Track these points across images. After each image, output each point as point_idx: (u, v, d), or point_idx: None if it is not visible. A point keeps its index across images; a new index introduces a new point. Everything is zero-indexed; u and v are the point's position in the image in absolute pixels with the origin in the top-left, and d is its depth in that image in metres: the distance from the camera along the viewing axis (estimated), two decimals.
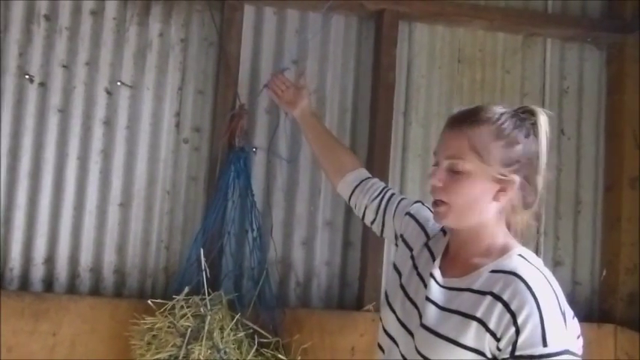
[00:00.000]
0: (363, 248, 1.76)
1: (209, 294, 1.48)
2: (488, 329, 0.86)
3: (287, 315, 1.61)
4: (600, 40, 1.93)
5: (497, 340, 0.85)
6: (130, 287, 1.70)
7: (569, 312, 0.89)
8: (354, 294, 1.77)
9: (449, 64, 1.88)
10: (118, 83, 1.74)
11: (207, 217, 1.62)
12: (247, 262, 1.67)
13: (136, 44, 1.75)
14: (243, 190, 1.64)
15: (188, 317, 1.44)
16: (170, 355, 1.41)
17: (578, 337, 0.93)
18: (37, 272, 1.67)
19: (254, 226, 1.64)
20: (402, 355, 0.96)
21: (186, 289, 1.50)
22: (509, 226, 0.95)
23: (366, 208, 1.21)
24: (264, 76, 1.76)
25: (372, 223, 1.21)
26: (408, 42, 1.86)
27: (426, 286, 0.98)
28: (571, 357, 0.84)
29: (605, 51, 1.95)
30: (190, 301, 1.48)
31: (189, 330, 1.42)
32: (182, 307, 1.46)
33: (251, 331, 1.49)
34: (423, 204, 1.14)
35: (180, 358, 1.40)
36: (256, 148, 1.76)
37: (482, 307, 0.87)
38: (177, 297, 1.48)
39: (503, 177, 0.92)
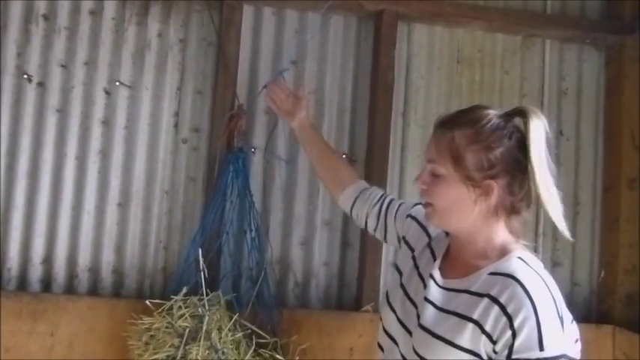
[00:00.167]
0: (362, 249, 1.76)
1: (207, 294, 1.48)
2: (484, 331, 0.86)
3: (285, 315, 1.61)
4: (599, 41, 1.93)
5: (494, 342, 0.85)
6: (128, 287, 1.69)
7: (568, 316, 0.89)
8: (352, 294, 1.77)
9: (448, 65, 1.88)
10: (117, 83, 1.73)
11: (206, 217, 1.62)
12: (246, 263, 1.67)
13: (135, 44, 1.75)
14: (242, 191, 1.64)
15: (186, 317, 1.44)
16: (168, 356, 1.41)
17: (576, 341, 0.92)
18: (35, 272, 1.67)
19: (252, 227, 1.64)
20: (402, 355, 0.96)
21: (185, 290, 1.50)
22: (510, 228, 0.94)
23: (367, 217, 1.21)
24: (263, 76, 1.76)
25: (375, 230, 1.21)
26: (407, 42, 1.86)
27: (425, 286, 0.98)
28: None
29: (604, 52, 1.95)
30: (188, 301, 1.48)
31: (187, 330, 1.42)
32: (180, 307, 1.46)
33: (249, 331, 1.49)
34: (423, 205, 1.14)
35: (178, 358, 1.40)
36: (255, 149, 1.76)
37: (479, 309, 0.87)
38: (176, 297, 1.48)
39: (478, 182, 0.91)
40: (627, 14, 1.88)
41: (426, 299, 0.95)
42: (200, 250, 1.51)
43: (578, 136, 1.92)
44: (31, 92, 1.70)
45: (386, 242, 1.21)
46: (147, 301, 1.48)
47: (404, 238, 1.10)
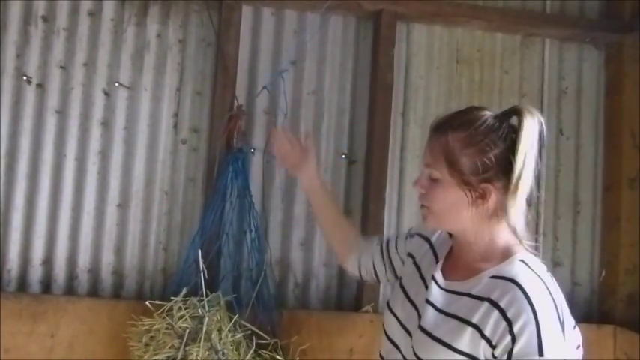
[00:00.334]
0: None
1: (207, 295, 1.48)
2: (483, 335, 0.85)
3: (285, 316, 1.61)
4: (599, 41, 1.92)
5: (493, 347, 0.84)
6: (128, 288, 1.70)
7: (570, 321, 0.88)
8: (352, 295, 1.77)
9: (447, 65, 1.88)
10: (116, 84, 1.74)
11: (205, 218, 1.62)
12: (245, 263, 1.67)
13: (134, 45, 1.75)
14: (241, 191, 1.64)
15: (186, 318, 1.44)
16: (168, 357, 1.41)
17: (578, 347, 0.91)
18: (36, 273, 1.67)
19: (252, 227, 1.64)
20: (404, 357, 0.95)
21: (184, 291, 1.50)
22: (513, 230, 0.92)
23: (374, 266, 1.17)
24: (263, 76, 1.77)
25: (385, 271, 1.16)
26: (406, 42, 1.86)
27: (427, 287, 0.98)
28: None
29: (604, 51, 1.94)
30: (188, 302, 1.48)
31: (187, 331, 1.42)
32: (180, 308, 1.46)
33: (249, 332, 1.49)
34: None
35: (178, 359, 1.40)
36: (254, 149, 1.76)
37: (479, 312, 0.86)
38: (175, 298, 1.48)
39: (474, 186, 0.90)
40: (626, 13, 1.88)
41: (427, 301, 0.94)
42: (200, 251, 1.51)
43: (578, 135, 1.92)
44: (30, 93, 1.71)
45: (396, 278, 1.15)
46: (147, 302, 1.48)
47: (409, 253, 1.09)
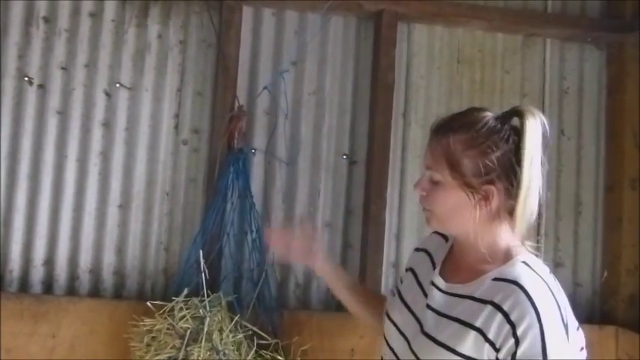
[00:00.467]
0: (363, 250, 1.76)
1: (208, 296, 1.48)
2: (487, 339, 0.85)
3: (286, 317, 1.62)
4: (600, 40, 1.93)
5: (497, 350, 0.84)
6: (129, 289, 1.70)
7: (573, 323, 0.87)
8: None
9: (448, 65, 1.89)
10: (117, 85, 1.75)
11: (207, 218, 1.63)
12: (246, 264, 1.67)
13: (135, 46, 1.76)
14: (242, 192, 1.65)
15: (187, 319, 1.45)
16: (169, 357, 1.42)
17: (582, 349, 0.91)
18: (37, 274, 1.68)
19: (253, 228, 1.64)
20: None
21: (186, 291, 1.50)
22: (519, 233, 0.91)
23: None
24: (263, 77, 1.77)
25: None
26: (406, 42, 1.87)
27: (425, 294, 0.98)
28: None
29: (605, 51, 1.95)
30: (189, 302, 1.48)
31: (189, 332, 1.42)
32: (181, 308, 1.47)
33: (250, 332, 1.49)
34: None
35: (179, 359, 1.40)
36: (255, 150, 1.77)
37: (482, 316, 0.86)
38: (177, 299, 1.49)
39: (477, 188, 0.90)
40: (628, 13, 1.88)
41: (429, 306, 0.95)
42: (201, 252, 1.52)
43: (579, 135, 1.92)
44: (31, 94, 1.72)
45: None
46: (148, 303, 1.49)
47: (409, 268, 1.09)
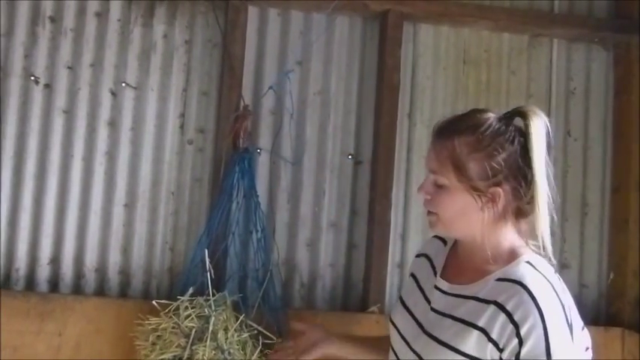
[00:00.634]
0: (368, 250, 1.80)
1: (213, 295, 1.52)
2: (490, 339, 0.88)
3: (291, 316, 1.65)
4: (607, 41, 1.95)
5: (500, 350, 0.87)
6: (134, 288, 1.75)
7: (578, 323, 0.91)
8: (358, 296, 1.81)
9: (454, 65, 1.93)
10: (123, 84, 1.79)
11: (212, 218, 1.67)
12: (252, 264, 1.71)
13: (141, 46, 1.81)
14: (248, 192, 1.69)
15: (192, 318, 1.48)
16: (174, 356, 1.46)
17: (587, 349, 0.94)
18: (43, 273, 1.73)
19: (258, 227, 1.68)
20: None
21: (191, 290, 1.54)
22: (518, 230, 0.96)
23: None
24: (269, 77, 1.82)
25: None
26: (412, 43, 1.91)
27: (426, 298, 1.02)
28: None
29: (612, 51, 1.97)
30: (195, 302, 1.52)
31: (194, 330, 1.46)
32: (186, 307, 1.51)
33: (255, 332, 1.53)
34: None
35: (184, 358, 1.44)
36: (260, 150, 1.81)
37: (485, 316, 0.89)
38: (182, 298, 1.53)
39: (484, 190, 0.92)
40: (635, 13, 1.90)
41: (433, 309, 0.98)
42: (206, 251, 1.56)
43: (586, 136, 1.95)
44: (37, 94, 1.77)
45: None
46: (154, 302, 1.53)
47: (411, 274, 1.13)
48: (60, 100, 1.77)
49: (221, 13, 1.81)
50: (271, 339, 1.52)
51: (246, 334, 1.51)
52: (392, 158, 1.79)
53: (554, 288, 0.90)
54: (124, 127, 1.79)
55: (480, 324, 0.90)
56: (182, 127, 1.81)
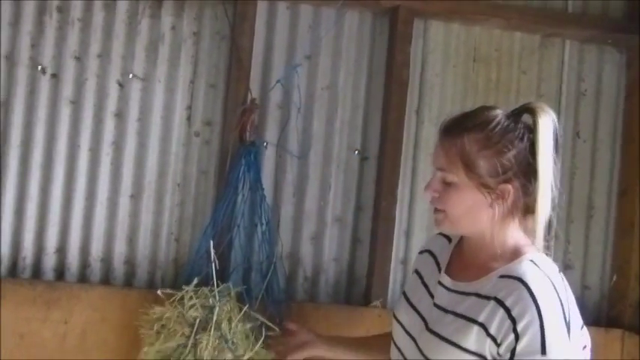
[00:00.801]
0: (372, 245, 1.90)
1: (218, 286, 1.60)
2: (489, 334, 0.94)
3: (294, 309, 1.75)
4: (620, 42, 2.02)
5: (498, 345, 0.93)
6: (140, 278, 1.85)
7: (577, 322, 0.96)
8: (361, 290, 1.91)
9: (464, 63, 2.00)
10: (130, 76, 1.87)
11: (217, 210, 1.76)
12: (256, 256, 1.81)
13: (148, 37, 1.88)
14: (253, 184, 1.78)
15: (197, 308, 1.57)
16: (178, 345, 1.55)
17: (585, 347, 0.99)
18: (49, 261, 1.83)
19: (263, 220, 1.78)
20: None
21: (195, 280, 1.63)
22: (525, 228, 1.01)
23: None
24: (277, 70, 1.90)
25: None
26: (422, 39, 1.98)
27: (430, 294, 1.08)
28: None
29: (625, 54, 2.04)
30: (199, 292, 1.61)
31: (198, 320, 1.55)
32: (191, 297, 1.59)
33: (259, 323, 1.62)
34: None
35: (188, 347, 1.53)
36: (267, 143, 1.90)
37: (485, 312, 0.95)
38: (187, 287, 1.61)
39: (493, 188, 0.97)
40: None
41: (436, 305, 1.05)
42: (211, 242, 1.65)
43: (595, 138, 2.03)
44: (45, 83, 1.84)
45: None
46: (158, 291, 1.62)
47: (414, 270, 1.20)
48: (67, 90, 1.85)
49: (230, 5, 1.88)
50: (274, 330, 1.61)
51: (249, 325, 1.59)
52: (399, 154, 1.88)
53: (554, 286, 0.96)
54: (131, 118, 1.87)
55: (480, 319, 0.96)
56: (189, 119, 1.90)
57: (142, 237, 1.87)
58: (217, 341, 1.53)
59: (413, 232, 1.95)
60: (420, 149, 1.97)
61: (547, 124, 0.98)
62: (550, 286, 0.95)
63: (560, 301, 0.95)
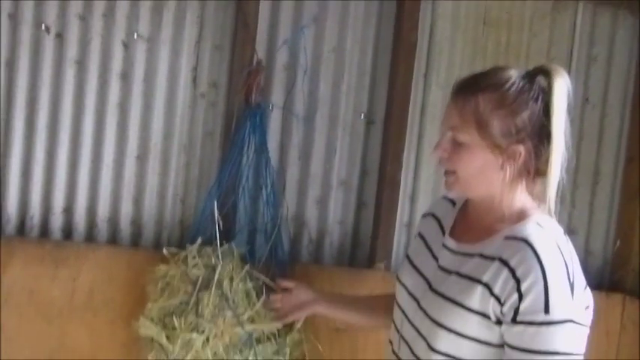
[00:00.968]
0: (377, 209, 1.87)
1: (221, 245, 1.59)
2: (492, 293, 0.93)
3: (298, 270, 1.74)
4: (635, 7, 1.94)
5: (501, 304, 0.92)
6: (146, 238, 1.84)
7: (581, 282, 0.95)
8: (365, 253, 1.90)
9: (474, 26, 1.93)
10: (135, 36, 1.81)
11: (222, 171, 1.73)
12: (261, 218, 1.79)
13: None
14: (259, 147, 1.75)
15: (199, 267, 1.56)
16: (181, 302, 1.54)
17: (587, 308, 0.98)
18: (56, 221, 1.81)
19: (268, 183, 1.75)
20: (412, 324, 1.06)
21: (199, 240, 1.62)
22: (531, 191, 0.99)
23: None
24: (283, 32, 1.84)
25: None
26: (431, 2, 1.91)
27: (435, 257, 1.06)
28: (574, 326, 0.90)
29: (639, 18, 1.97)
30: (202, 251, 1.60)
31: (200, 278, 1.53)
32: (194, 256, 1.58)
33: (260, 283, 1.61)
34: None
35: (190, 304, 1.52)
36: (273, 105, 1.86)
37: (490, 272, 0.94)
38: (191, 247, 1.60)
39: (505, 148, 0.95)
40: None
41: (440, 267, 1.03)
42: (215, 202, 1.63)
43: (604, 104, 1.98)
44: (49, 43, 1.79)
45: None
46: (164, 249, 1.62)
47: (418, 233, 1.18)
48: (71, 51, 1.80)
49: None
50: (274, 290, 1.58)
51: (250, 284, 1.57)
52: (405, 119, 1.83)
53: (559, 247, 0.94)
54: (136, 80, 1.83)
55: (484, 279, 0.95)
56: (194, 80, 1.85)
57: (147, 198, 1.85)
58: (218, 299, 1.52)
59: (418, 196, 1.92)
60: (427, 114, 1.93)
61: (562, 87, 0.95)
62: (555, 248, 0.94)
63: (565, 262, 0.93)
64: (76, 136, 1.81)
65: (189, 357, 1.46)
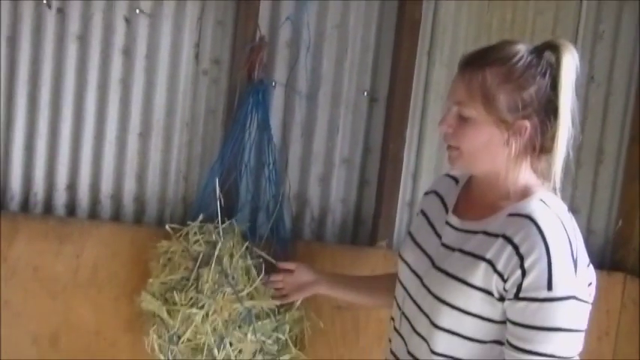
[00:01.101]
0: (379, 187, 1.83)
1: (222, 222, 1.57)
2: (496, 270, 0.91)
3: (300, 248, 1.71)
4: None
5: (504, 281, 0.90)
6: (149, 215, 1.81)
7: (584, 260, 0.93)
8: (367, 231, 1.86)
9: (478, 4, 1.86)
10: (137, 11, 1.76)
11: (225, 148, 1.69)
12: (263, 195, 1.76)
13: None
14: (261, 124, 1.71)
15: (200, 243, 1.54)
16: (182, 278, 1.53)
17: (590, 284, 0.97)
18: (60, 198, 1.79)
19: (270, 160, 1.71)
20: (413, 301, 1.04)
21: (201, 217, 1.60)
22: (536, 168, 0.97)
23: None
24: (286, 8, 1.78)
25: None
26: None
27: (437, 234, 1.04)
28: (577, 302, 0.89)
29: None
30: (204, 228, 1.58)
31: (201, 255, 1.52)
32: (195, 233, 1.56)
33: (262, 261, 1.58)
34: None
35: (190, 280, 1.50)
36: (275, 82, 1.80)
37: (493, 248, 0.92)
38: (192, 223, 1.58)
39: (511, 123, 0.92)
40: None
41: (444, 245, 1.01)
42: (217, 179, 1.60)
43: (609, 82, 1.91)
44: (51, 18, 1.74)
45: None
46: (167, 226, 1.59)
47: (420, 210, 1.16)
48: (73, 26, 1.75)
49: None
50: (275, 268, 1.55)
51: (251, 261, 1.55)
52: (408, 97, 1.78)
53: (563, 224, 0.92)
54: (139, 56, 1.78)
55: (488, 256, 0.93)
56: (197, 57, 1.80)
57: (150, 175, 1.81)
58: (217, 276, 1.49)
59: (420, 174, 1.88)
60: (430, 92, 1.87)
61: (570, 62, 0.92)
62: (559, 224, 0.92)
63: (569, 238, 0.91)
64: (78, 113, 1.77)
65: (189, 332, 1.44)
